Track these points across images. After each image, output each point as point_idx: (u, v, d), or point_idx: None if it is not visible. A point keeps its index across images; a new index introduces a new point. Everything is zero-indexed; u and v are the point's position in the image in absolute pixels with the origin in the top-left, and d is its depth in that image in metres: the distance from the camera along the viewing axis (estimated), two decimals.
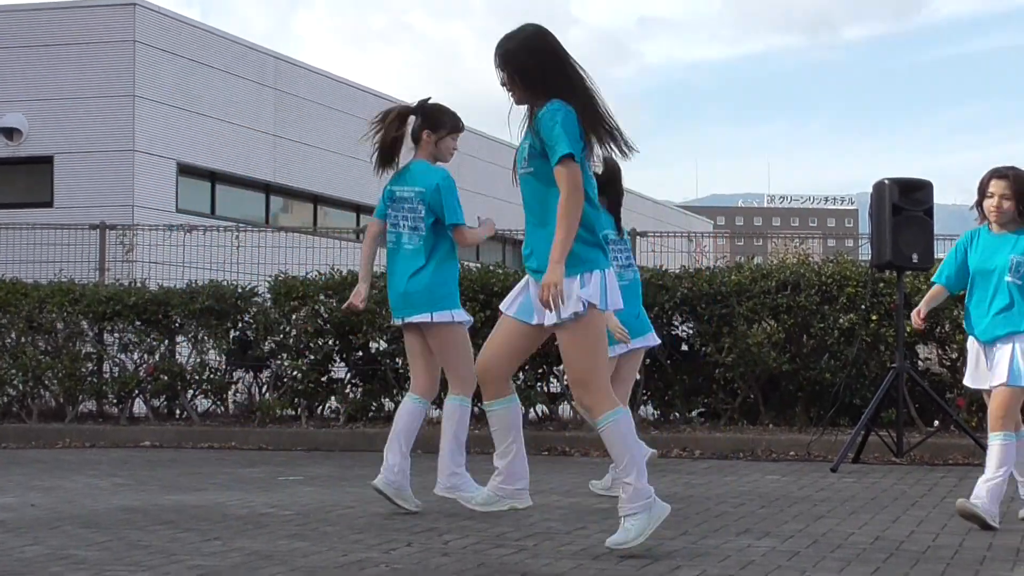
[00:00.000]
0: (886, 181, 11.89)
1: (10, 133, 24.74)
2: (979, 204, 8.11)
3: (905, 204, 11.84)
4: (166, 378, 15.45)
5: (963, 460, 12.24)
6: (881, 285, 13.66)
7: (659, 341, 9.98)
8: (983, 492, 7.74)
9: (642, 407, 14.80)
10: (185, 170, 25.86)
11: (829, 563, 6.56)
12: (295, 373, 15.15)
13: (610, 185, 9.19)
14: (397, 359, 14.87)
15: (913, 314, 8.47)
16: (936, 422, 13.43)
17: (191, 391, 15.72)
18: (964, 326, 8.28)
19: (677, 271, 14.93)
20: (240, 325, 15.62)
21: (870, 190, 12.14)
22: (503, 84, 6.78)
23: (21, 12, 25.55)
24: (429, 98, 8.50)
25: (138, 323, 15.58)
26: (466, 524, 7.93)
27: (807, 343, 14.13)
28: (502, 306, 6.97)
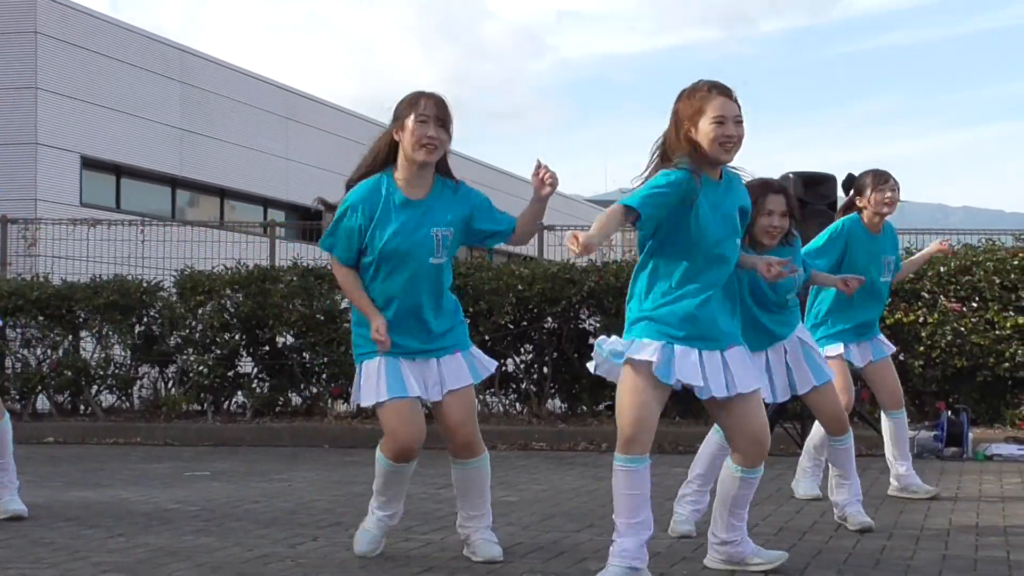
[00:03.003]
0: (790, 175, 12.01)
1: None
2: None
3: (808, 197, 11.96)
4: (70, 373, 15.31)
5: (867, 451, 12.38)
6: None
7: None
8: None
9: (549, 400, 14.87)
10: (89, 163, 25.59)
11: None
12: (201, 368, 15.06)
13: None
14: (304, 353, 14.85)
15: None
16: (855, 418, 13.59)
17: (95, 386, 15.58)
18: None
19: (584, 265, 15.00)
20: (145, 320, 15.51)
21: None
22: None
23: None
24: None
25: (41, 318, 15.41)
26: None
27: None
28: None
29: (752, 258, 6.51)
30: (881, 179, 8.85)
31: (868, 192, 8.81)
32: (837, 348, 8.77)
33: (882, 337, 9.15)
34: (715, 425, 7.04)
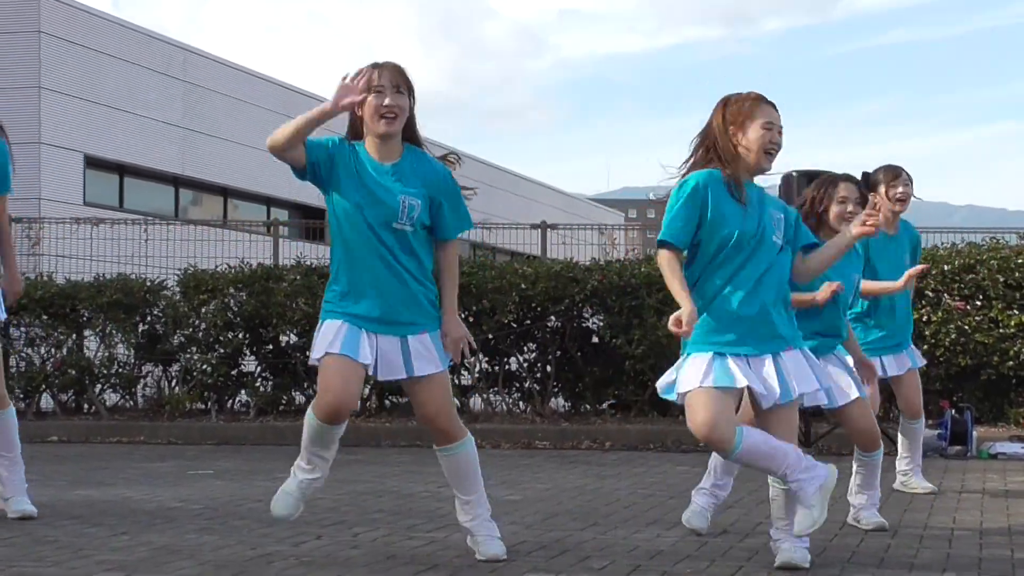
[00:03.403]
0: (794, 173, 12.00)
1: None
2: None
3: None
4: (74, 372, 15.33)
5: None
6: None
7: None
8: None
9: (553, 399, 14.86)
10: (92, 163, 25.59)
11: (737, 552, 6.63)
12: (205, 367, 15.07)
13: None
14: (308, 352, 14.81)
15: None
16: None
17: (99, 385, 15.59)
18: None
19: (587, 264, 15.01)
20: (149, 319, 15.52)
21: (779, 182, 12.25)
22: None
23: None
24: None
25: (45, 317, 15.42)
26: (376, 517, 7.94)
27: None
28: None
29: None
30: (892, 174, 8.83)
31: (881, 189, 8.79)
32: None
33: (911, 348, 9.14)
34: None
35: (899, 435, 9.42)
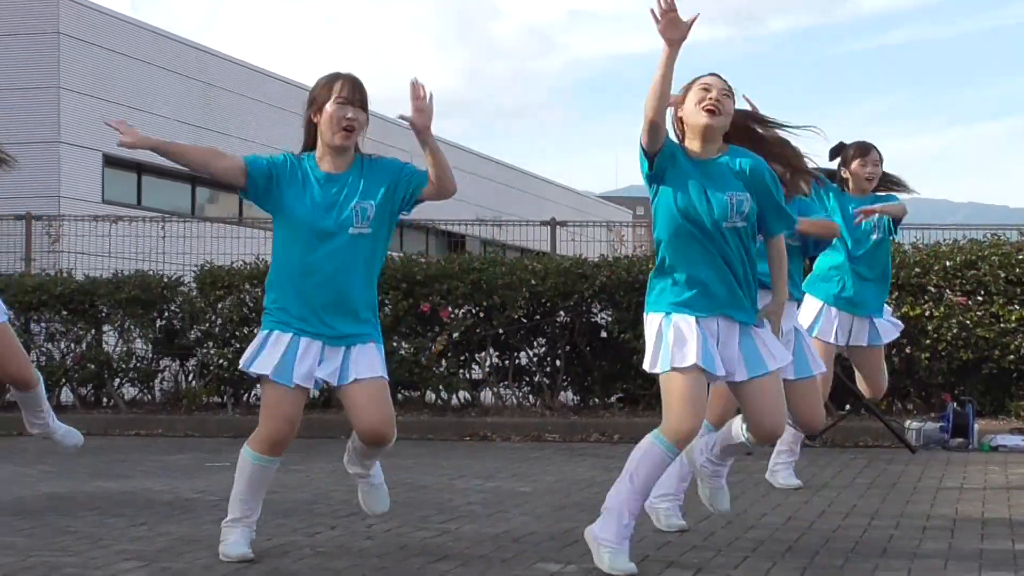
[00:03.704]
0: None
1: None
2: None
3: None
4: (93, 367, 15.35)
5: (873, 442, 12.39)
6: None
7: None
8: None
9: (562, 393, 14.87)
10: (111, 161, 25.62)
11: (743, 543, 6.64)
12: (221, 361, 15.08)
13: None
14: None
15: None
16: (848, 406, 13.58)
17: (118, 379, 15.61)
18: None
19: (596, 260, 15.00)
20: (166, 314, 15.54)
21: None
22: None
23: None
24: None
25: (64, 313, 15.45)
26: (390, 508, 7.95)
27: None
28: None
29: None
30: (862, 150, 8.76)
31: (853, 164, 8.75)
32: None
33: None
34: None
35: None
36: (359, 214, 6.02)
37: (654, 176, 5.92)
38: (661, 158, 5.88)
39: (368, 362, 6.08)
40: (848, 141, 8.94)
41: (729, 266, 5.91)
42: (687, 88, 6.07)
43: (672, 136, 6.04)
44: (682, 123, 6.06)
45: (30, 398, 7.92)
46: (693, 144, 6.01)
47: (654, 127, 5.80)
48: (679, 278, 5.92)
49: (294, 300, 6.10)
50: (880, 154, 8.81)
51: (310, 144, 6.22)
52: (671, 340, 5.86)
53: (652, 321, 6.00)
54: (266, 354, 6.16)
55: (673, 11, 5.69)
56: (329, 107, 6.05)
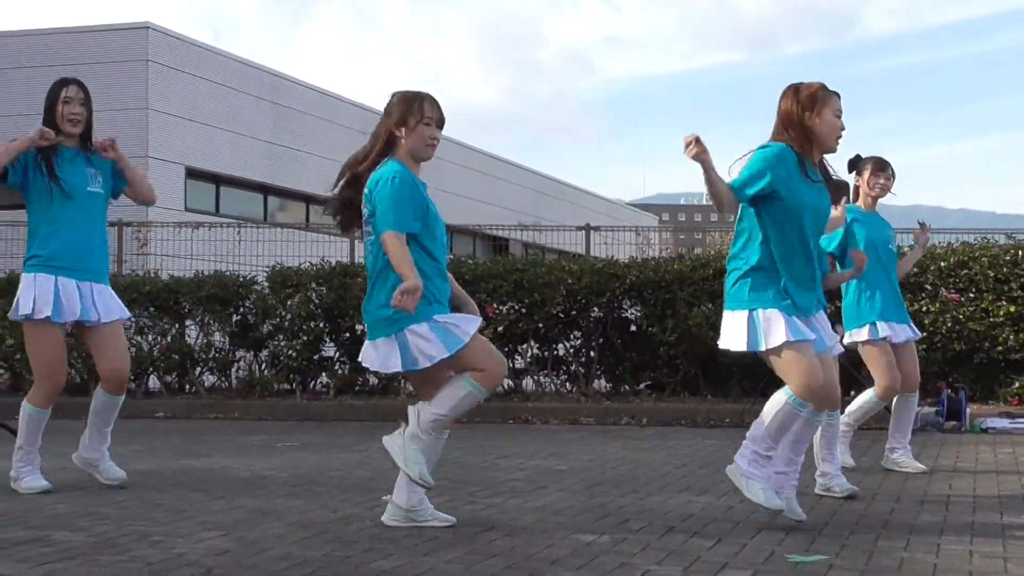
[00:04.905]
0: None
1: None
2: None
3: None
4: (177, 357, 15.43)
5: (875, 425, 12.30)
6: None
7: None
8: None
9: (596, 380, 14.85)
10: (192, 174, 25.74)
11: (760, 516, 6.60)
12: (290, 352, 15.13)
13: None
14: None
15: None
16: (852, 392, 13.51)
17: (199, 368, 15.69)
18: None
19: (627, 261, 14.98)
20: (241, 310, 15.60)
21: None
22: None
23: (48, 36, 25.39)
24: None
25: (152, 309, 15.54)
26: (440, 484, 7.93)
27: None
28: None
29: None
30: (879, 166, 8.68)
31: (866, 175, 8.66)
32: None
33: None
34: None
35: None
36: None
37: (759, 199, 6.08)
38: (763, 193, 6.02)
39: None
40: (864, 155, 8.79)
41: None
42: (817, 91, 6.11)
43: (781, 131, 6.13)
44: (805, 127, 6.08)
45: (111, 406, 7.65)
46: (814, 154, 6.16)
47: (728, 209, 6.13)
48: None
49: None
50: (894, 172, 8.68)
51: (382, 151, 6.16)
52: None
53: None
54: None
55: (690, 142, 5.80)
56: (417, 125, 6.06)
